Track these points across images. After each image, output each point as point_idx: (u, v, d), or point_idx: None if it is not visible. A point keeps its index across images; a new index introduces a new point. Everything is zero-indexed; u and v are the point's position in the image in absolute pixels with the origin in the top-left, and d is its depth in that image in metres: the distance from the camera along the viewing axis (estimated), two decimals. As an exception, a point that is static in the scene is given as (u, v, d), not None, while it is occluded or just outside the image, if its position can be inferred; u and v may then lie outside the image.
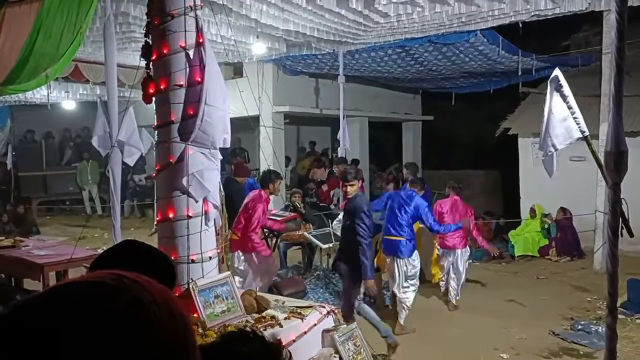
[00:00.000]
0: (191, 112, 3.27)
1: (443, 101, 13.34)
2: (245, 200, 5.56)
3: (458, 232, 6.09)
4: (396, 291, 5.36)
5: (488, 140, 12.31)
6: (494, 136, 10.52)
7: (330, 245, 6.60)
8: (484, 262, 8.43)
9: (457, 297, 6.10)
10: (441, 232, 5.69)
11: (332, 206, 10.35)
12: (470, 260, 8.13)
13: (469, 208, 6.31)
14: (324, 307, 3.65)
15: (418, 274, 5.42)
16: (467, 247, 6.32)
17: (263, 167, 9.99)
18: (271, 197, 5.66)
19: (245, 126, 7.83)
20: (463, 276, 6.16)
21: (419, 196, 5.49)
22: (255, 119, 8.40)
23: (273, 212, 7.26)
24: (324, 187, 10.66)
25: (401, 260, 5.28)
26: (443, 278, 6.29)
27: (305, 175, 11.69)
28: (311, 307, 3.56)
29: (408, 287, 5.29)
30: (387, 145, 15.85)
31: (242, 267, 5.41)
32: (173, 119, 3.31)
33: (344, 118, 9.14)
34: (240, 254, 5.41)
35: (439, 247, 6.33)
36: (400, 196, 5.45)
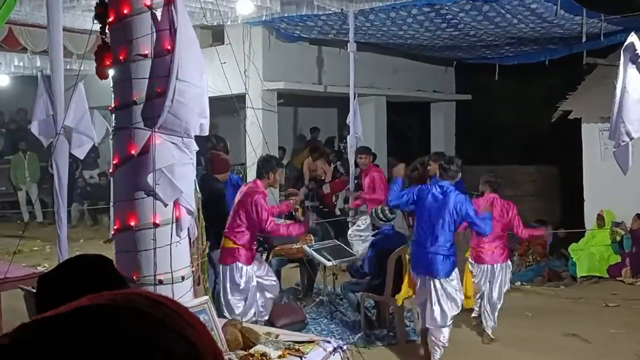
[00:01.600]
0: (159, 90, 3.28)
1: (483, 76, 13.31)
2: (238, 197, 5.61)
3: (497, 242, 6.10)
4: (429, 325, 5.31)
5: (542, 126, 12.29)
6: (549, 121, 10.51)
7: (337, 262, 6.60)
8: (536, 284, 8.43)
9: (494, 326, 6.10)
10: (485, 231, 5.56)
11: (337, 211, 10.36)
12: (518, 283, 8.14)
13: (511, 206, 6.28)
14: (328, 342, 3.66)
15: (459, 302, 5.37)
16: (509, 261, 6.32)
17: (250, 162, 10.05)
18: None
19: (227, 108, 7.84)
20: (502, 300, 6.16)
21: (453, 189, 5.40)
22: (241, 99, 8.41)
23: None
24: (326, 189, 10.64)
25: (436, 280, 5.24)
26: (477, 302, 6.27)
27: (301, 170, 11.68)
28: (312, 342, 3.58)
29: (446, 315, 5.25)
30: (410, 132, 15.86)
31: (242, 283, 5.45)
32: (135, 98, 3.32)
33: (355, 97, 9.15)
34: (240, 265, 5.46)
35: (472, 261, 6.31)
36: (432, 194, 5.40)
